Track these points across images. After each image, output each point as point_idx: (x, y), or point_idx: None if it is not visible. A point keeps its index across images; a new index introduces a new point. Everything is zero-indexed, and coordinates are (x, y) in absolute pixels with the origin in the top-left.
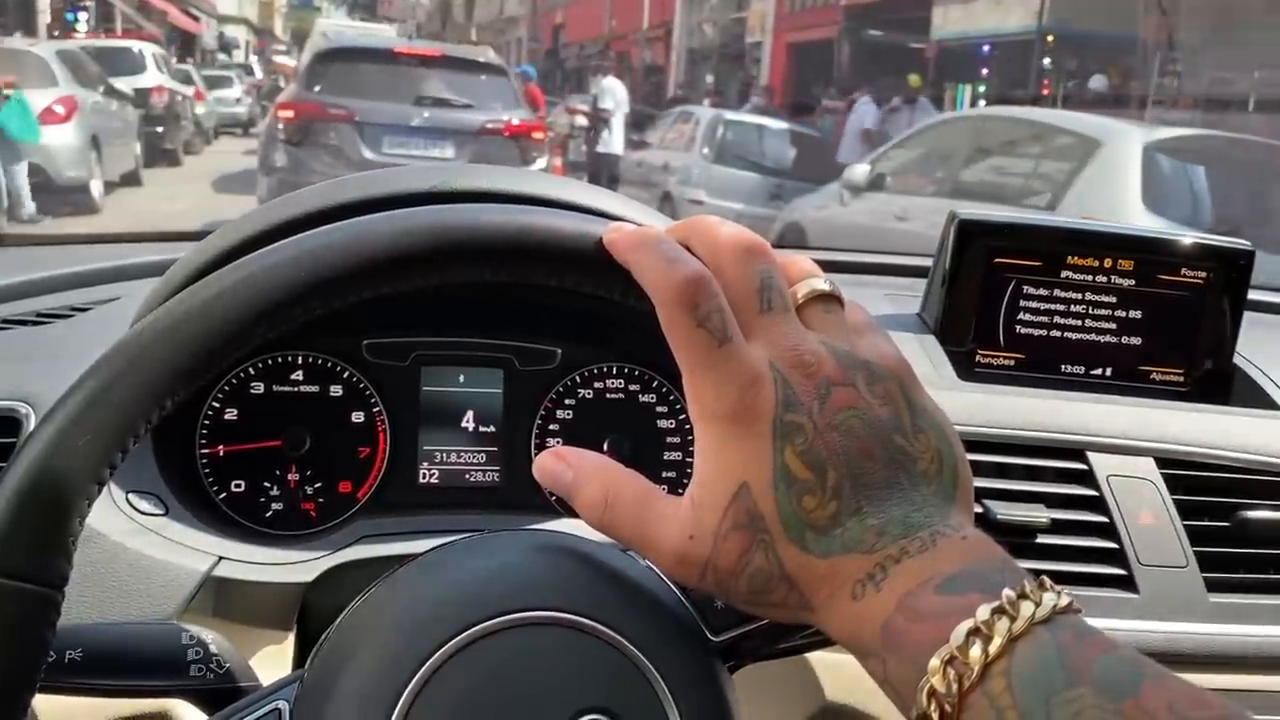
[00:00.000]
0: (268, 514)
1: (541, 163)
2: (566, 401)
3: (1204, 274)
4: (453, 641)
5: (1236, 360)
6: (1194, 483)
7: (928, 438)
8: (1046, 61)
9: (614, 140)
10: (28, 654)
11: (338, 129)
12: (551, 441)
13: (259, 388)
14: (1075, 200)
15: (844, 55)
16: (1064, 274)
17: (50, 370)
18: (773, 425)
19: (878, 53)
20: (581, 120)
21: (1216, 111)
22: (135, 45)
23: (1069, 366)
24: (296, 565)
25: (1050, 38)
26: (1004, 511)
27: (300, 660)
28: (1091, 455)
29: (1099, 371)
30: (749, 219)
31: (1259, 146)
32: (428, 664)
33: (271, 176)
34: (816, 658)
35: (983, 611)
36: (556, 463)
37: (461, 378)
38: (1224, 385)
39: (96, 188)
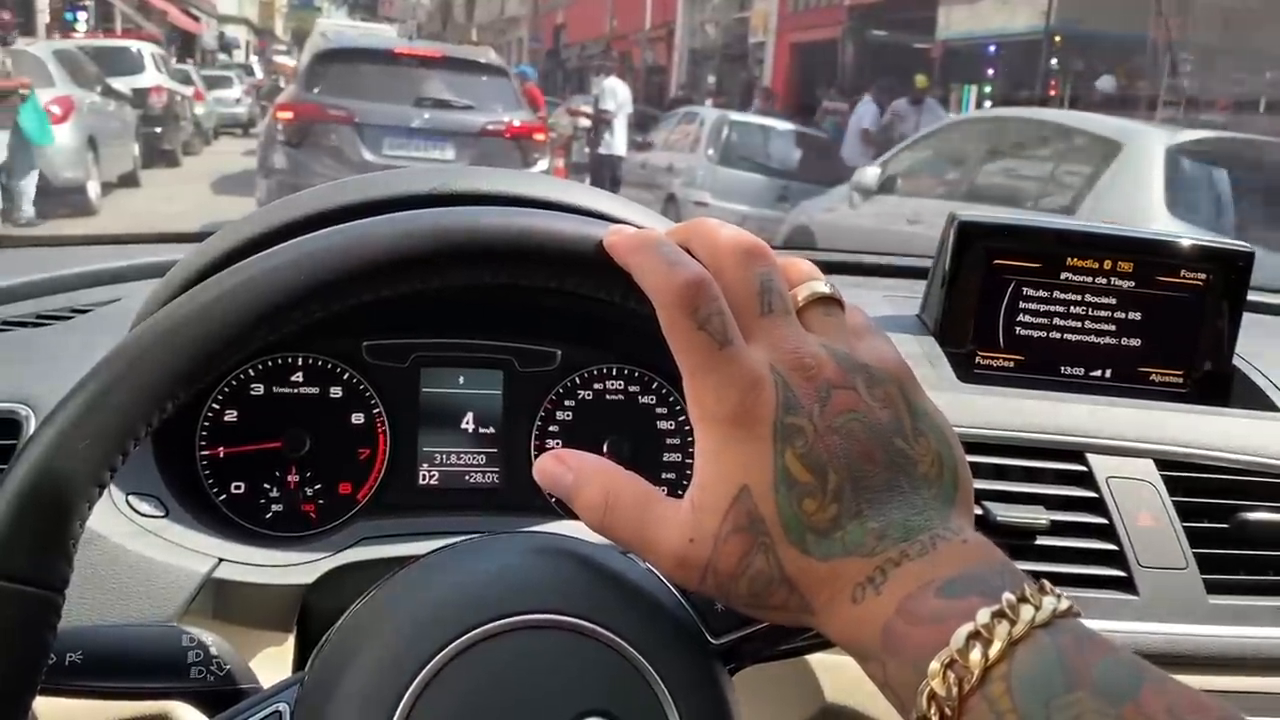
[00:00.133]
0: (268, 515)
1: (543, 164)
2: (566, 403)
3: (1203, 276)
4: (454, 644)
5: (1236, 362)
6: (1193, 484)
7: (928, 441)
8: (1054, 62)
9: (616, 142)
10: (28, 656)
11: (337, 130)
12: (551, 443)
13: (259, 389)
14: (1094, 204)
15: (848, 56)
16: (1063, 275)
17: (50, 372)
18: (773, 428)
19: (882, 53)
20: (585, 121)
21: (1228, 113)
22: (134, 45)
23: (1068, 368)
24: (296, 567)
25: (1058, 38)
26: (1003, 513)
27: (300, 662)
28: (1091, 457)
29: (1098, 373)
30: (755, 221)
31: None
32: (428, 666)
33: (270, 178)
34: (816, 659)
35: (983, 615)
36: (556, 465)
37: (461, 379)
38: (1223, 387)
39: (93, 189)
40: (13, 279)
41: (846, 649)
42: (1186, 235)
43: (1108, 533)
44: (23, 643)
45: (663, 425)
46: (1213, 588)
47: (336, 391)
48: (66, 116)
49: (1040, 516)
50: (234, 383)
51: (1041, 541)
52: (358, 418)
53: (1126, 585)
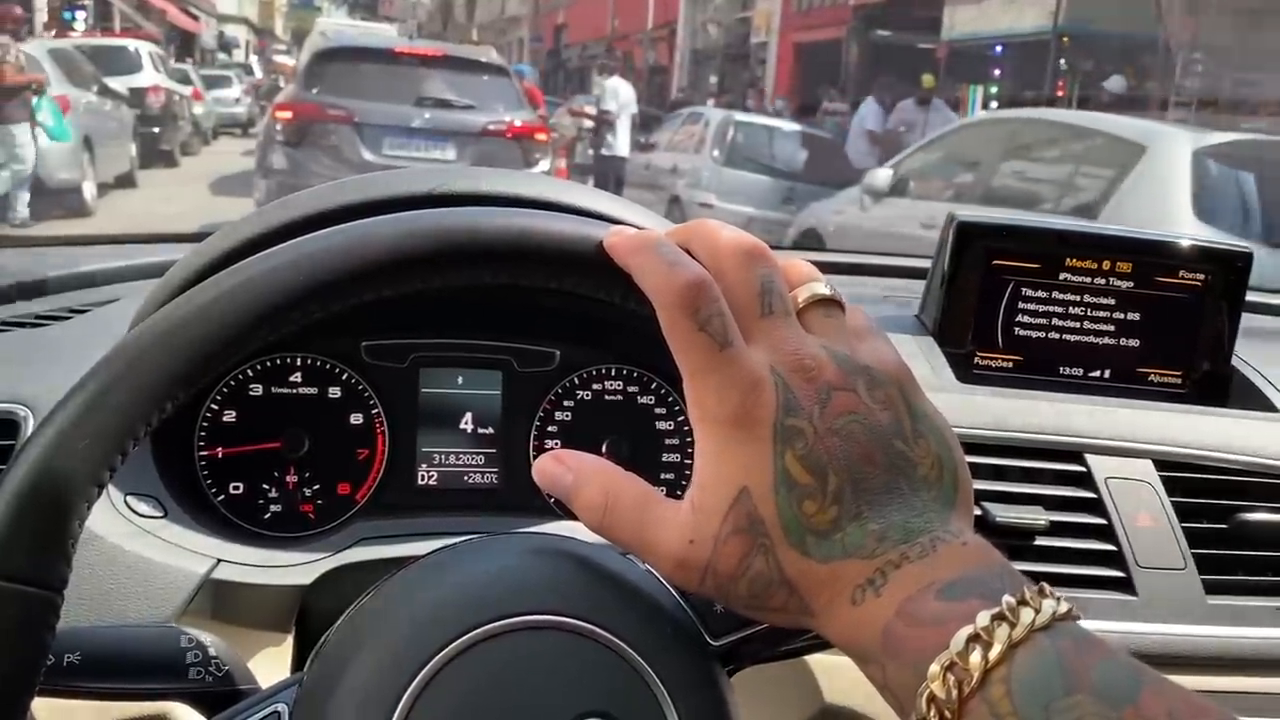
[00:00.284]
0: (266, 516)
1: (545, 165)
2: (565, 403)
3: (1202, 276)
4: (453, 644)
5: (1234, 362)
6: (1192, 485)
7: (928, 443)
8: (1062, 63)
9: (619, 142)
10: (27, 656)
11: (337, 130)
12: (550, 443)
13: (257, 390)
14: (1118, 208)
15: (852, 56)
16: (1062, 276)
17: (48, 373)
18: (773, 429)
19: (886, 54)
20: (588, 122)
21: (1241, 114)
22: (131, 44)
23: (1067, 368)
24: (295, 567)
25: (1065, 38)
26: (1002, 514)
27: (299, 662)
28: (1090, 457)
29: (1097, 373)
30: (761, 223)
31: None
32: (428, 667)
33: (269, 179)
34: (815, 660)
35: (983, 618)
36: (556, 465)
37: (460, 379)
38: (1222, 387)
39: (89, 190)
40: (10, 279)
41: (846, 651)
42: (1217, 241)
43: (1106, 533)
44: (21, 643)
45: (661, 425)
46: (1211, 588)
47: (335, 392)
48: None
49: (1039, 517)
50: (233, 383)
51: (1040, 542)
52: (356, 418)
53: (1125, 586)
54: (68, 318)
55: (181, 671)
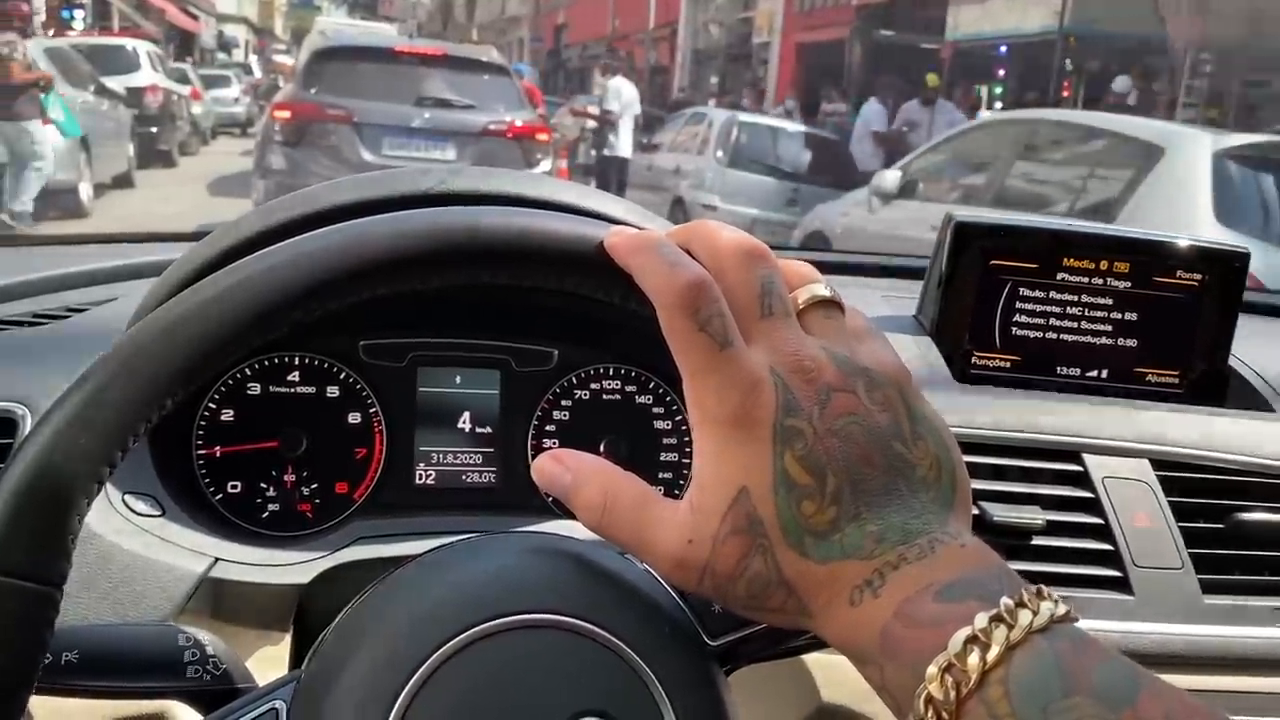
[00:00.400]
0: (264, 515)
1: (546, 165)
2: (563, 403)
3: (1199, 277)
4: (451, 643)
5: (1231, 362)
6: (1189, 485)
7: (926, 445)
8: (1068, 63)
9: (621, 143)
10: (26, 651)
11: (336, 130)
12: (548, 443)
13: (255, 389)
14: (1136, 211)
15: (855, 56)
16: (1060, 276)
17: (45, 372)
18: (773, 430)
19: (890, 54)
20: (591, 123)
21: (1251, 115)
22: (129, 43)
23: (1064, 368)
24: (293, 566)
25: (1072, 39)
26: (1000, 513)
27: (297, 662)
28: (1087, 457)
29: (1094, 373)
30: (765, 225)
31: None
32: (425, 665)
33: (268, 179)
34: (812, 658)
35: (981, 619)
36: (555, 465)
37: (458, 378)
38: (1219, 387)
39: (85, 190)
40: (8, 278)
41: (844, 652)
42: (1214, 241)
43: (1103, 533)
44: (20, 638)
45: (659, 425)
46: (1208, 588)
47: (333, 391)
48: None
49: (1036, 516)
50: (230, 382)
51: (1037, 541)
52: (354, 417)
53: (1122, 585)
54: (65, 317)
55: (179, 670)
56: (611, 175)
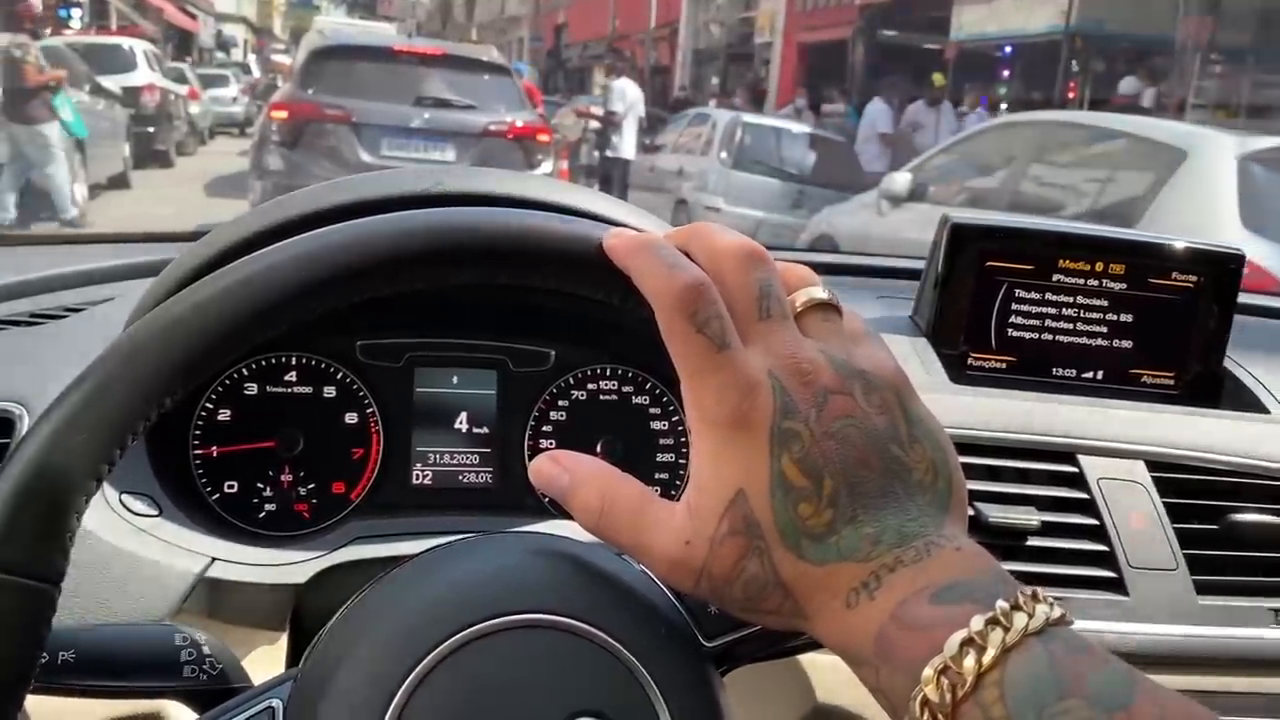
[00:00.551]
0: (261, 515)
1: (547, 166)
2: (560, 403)
3: (1195, 278)
4: (447, 643)
5: (1226, 364)
6: (1184, 485)
7: (923, 448)
8: (1074, 64)
9: (624, 144)
10: (24, 648)
11: (334, 130)
12: (545, 443)
13: (252, 388)
14: (1158, 216)
15: (858, 56)
16: (1055, 277)
17: (43, 371)
18: (770, 432)
19: (893, 54)
20: (594, 124)
21: (1261, 117)
22: (125, 42)
23: (1060, 369)
24: (290, 566)
25: (1079, 39)
26: (995, 514)
27: (294, 661)
28: (1082, 458)
29: (1090, 374)
30: (770, 227)
31: None
32: (422, 665)
33: (265, 180)
34: (808, 659)
35: (976, 622)
36: (552, 466)
37: (455, 379)
38: (1214, 388)
39: (80, 192)
40: (7, 278)
41: (840, 654)
42: (1209, 243)
43: (1099, 534)
44: (18, 635)
45: (656, 426)
46: (1203, 589)
47: (330, 391)
48: None
49: (1031, 517)
50: (228, 382)
51: (1033, 542)
52: (351, 417)
53: (1117, 586)
54: (63, 316)
55: (176, 670)
56: (614, 177)
